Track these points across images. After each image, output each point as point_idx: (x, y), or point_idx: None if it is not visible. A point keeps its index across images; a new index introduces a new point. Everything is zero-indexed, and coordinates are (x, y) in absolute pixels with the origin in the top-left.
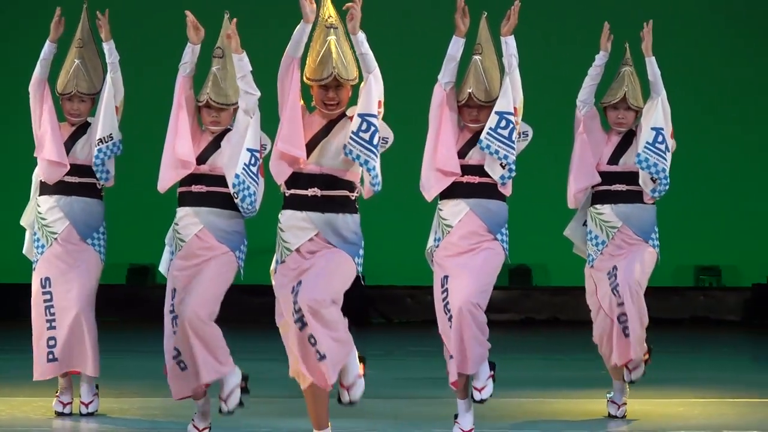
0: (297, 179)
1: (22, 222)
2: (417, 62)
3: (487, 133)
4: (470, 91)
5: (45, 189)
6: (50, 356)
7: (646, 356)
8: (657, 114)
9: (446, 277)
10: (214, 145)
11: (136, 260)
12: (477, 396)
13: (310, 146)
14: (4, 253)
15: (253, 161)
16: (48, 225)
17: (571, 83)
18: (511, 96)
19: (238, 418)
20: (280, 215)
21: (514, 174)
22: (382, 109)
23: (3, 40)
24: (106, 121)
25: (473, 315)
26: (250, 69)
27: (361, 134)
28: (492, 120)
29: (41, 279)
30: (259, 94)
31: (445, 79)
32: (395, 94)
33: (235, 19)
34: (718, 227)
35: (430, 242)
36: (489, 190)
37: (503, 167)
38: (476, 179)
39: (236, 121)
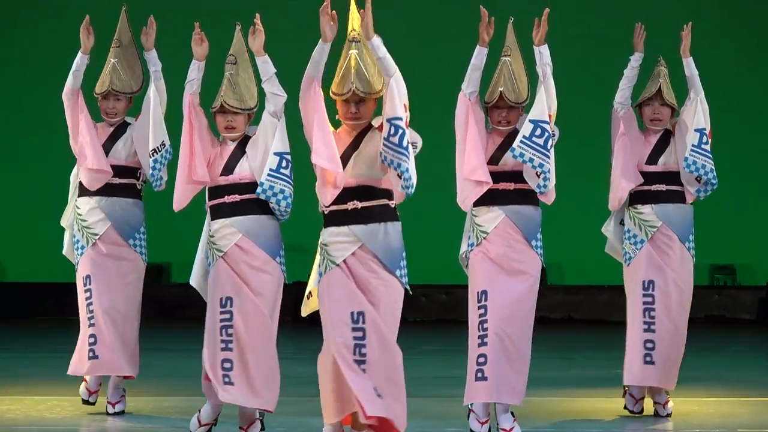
0: (337, 194)
1: (62, 223)
2: (441, 68)
3: (521, 142)
4: (501, 90)
5: (84, 190)
6: (90, 353)
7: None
8: (698, 115)
9: (485, 292)
10: (239, 152)
11: (152, 259)
12: None
13: (343, 160)
14: (21, 253)
15: (284, 164)
16: (89, 226)
17: (592, 83)
18: (546, 104)
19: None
20: (321, 233)
21: (551, 182)
22: (408, 113)
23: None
24: (156, 130)
25: (513, 343)
26: (275, 71)
27: (391, 138)
28: (526, 128)
29: (83, 277)
30: (285, 96)
31: (470, 89)
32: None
33: (258, 15)
34: (733, 226)
35: (464, 247)
36: (524, 196)
37: (538, 176)
38: (512, 186)
39: (262, 125)
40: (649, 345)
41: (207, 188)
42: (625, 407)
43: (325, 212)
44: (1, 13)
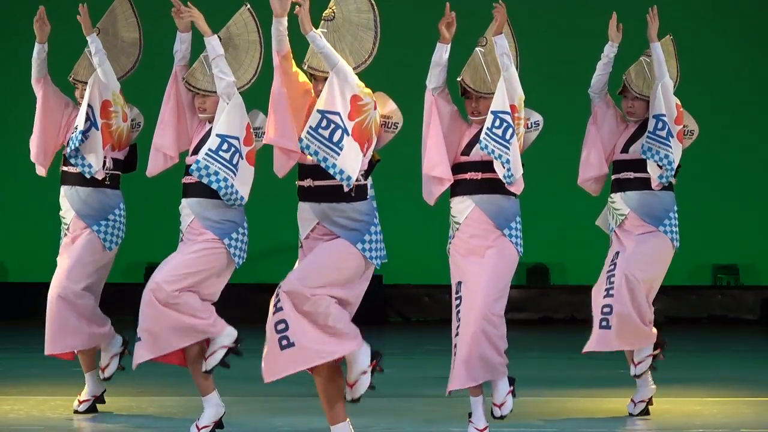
0: (300, 171)
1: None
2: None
3: (485, 134)
4: (460, 78)
5: (64, 179)
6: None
7: (658, 350)
8: (657, 101)
9: (459, 283)
10: (207, 135)
11: (154, 259)
12: (497, 413)
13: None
14: (24, 253)
15: (225, 147)
16: (62, 215)
17: (586, 77)
18: (506, 95)
19: (254, 415)
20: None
21: (514, 172)
22: (363, 101)
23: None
24: (80, 113)
25: (487, 335)
26: (221, 53)
27: (320, 131)
28: (488, 120)
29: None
30: (231, 78)
31: (432, 84)
32: (409, 93)
33: (190, 4)
34: (736, 226)
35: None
36: (494, 186)
37: (503, 167)
38: (479, 175)
39: (218, 107)
40: (606, 310)
41: (187, 166)
42: (630, 414)
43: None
44: (1, 11)
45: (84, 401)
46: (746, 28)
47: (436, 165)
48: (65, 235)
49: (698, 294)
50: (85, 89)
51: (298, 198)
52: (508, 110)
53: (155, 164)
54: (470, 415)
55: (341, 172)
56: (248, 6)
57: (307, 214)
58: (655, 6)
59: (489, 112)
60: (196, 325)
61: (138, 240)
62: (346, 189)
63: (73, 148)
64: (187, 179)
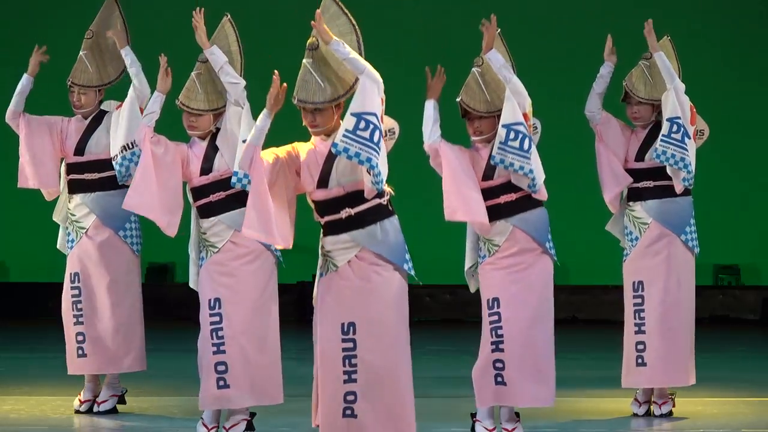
0: (326, 206)
1: (55, 217)
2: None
3: (499, 148)
4: (458, 99)
5: (71, 189)
6: (80, 351)
7: (673, 396)
8: (670, 104)
9: (496, 300)
10: (211, 149)
11: (155, 259)
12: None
13: (326, 172)
14: (25, 253)
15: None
16: (77, 220)
17: (585, 73)
18: (515, 107)
19: (258, 418)
20: (321, 240)
21: (538, 180)
22: (384, 106)
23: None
24: (130, 127)
25: (534, 355)
26: (225, 60)
27: (359, 132)
28: (501, 134)
29: (70, 274)
30: (243, 82)
31: (431, 139)
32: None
33: (202, 9)
34: (737, 226)
35: (470, 261)
36: (527, 202)
37: (527, 177)
38: (513, 196)
39: (228, 117)
40: (640, 347)
41: (189, 189)
42: (634, 414)
43: (321, 222)
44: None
45: (85, 401)
46: (744, 31)
47: (455, 211)
48: (79, 237)
49: (699, 294)
50: (81, 93)
51: (325, 233)
52: (521, 120)
53: (169, 221)
54: (474, 415)
55: (379, 173)
56: (228, 17)
57: (344, 244)
58: (650, 20)
59: (500, 126)
60: None
61: None
62: (375, 191)
63: (131, 161)
64: (216, 196)
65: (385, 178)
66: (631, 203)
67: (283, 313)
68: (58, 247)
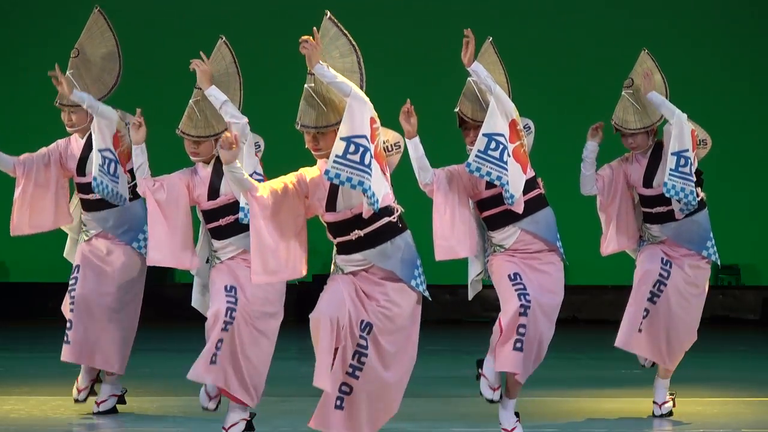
0: (337, 228)
1: (64, 227)
2: (431, 64)
3: (476, 156)
4: (457, 110)
5: (83, 206)
6: (66, 338)
7: (673, 396)
8: (673, 140)
9: (517, 273)
10: (216, 174)
11: None
12: None
13: (332, 196)
14: (25, 253)
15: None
16: (87, 230)
17: (594, 84)
18: (498, 117)
19: (258, 418)
20: (334, 257)
21: (512, 192)
22: (377, 124)
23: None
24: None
25: (541, 339)
26: (225, 98)
27: (349, 156)
28: (480, 142)
29: (74, 267)
30: (244, 119)
31: (427, 179)
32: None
33: (202, 54)
34: (737, 227)
35: (475, 270)
36: (533, 205)
37: (502, 188)
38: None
39: None
40: (645, 314)
41: (200, 211)
42: (653, 414)
43: (334, 242)
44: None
45: (83, 389)
46: (735, 40)
47: (453, 247)
48: (87, 239)
49: None
50: (72, 112)
51: (338, 252)
52: (502, 132)
53: (183, 260)
54: (479, 363)
55: (373, 195)
56: (223, 39)
57: (356, 262)
58: (649, 71)
59: (481, 134)
60: None
61: None
62: (373, 211)
63: (111, 192)
64: (225, 220)
65: (380, 198)
66: (648, 225)
67: (284, 313)
68: (65, 255)
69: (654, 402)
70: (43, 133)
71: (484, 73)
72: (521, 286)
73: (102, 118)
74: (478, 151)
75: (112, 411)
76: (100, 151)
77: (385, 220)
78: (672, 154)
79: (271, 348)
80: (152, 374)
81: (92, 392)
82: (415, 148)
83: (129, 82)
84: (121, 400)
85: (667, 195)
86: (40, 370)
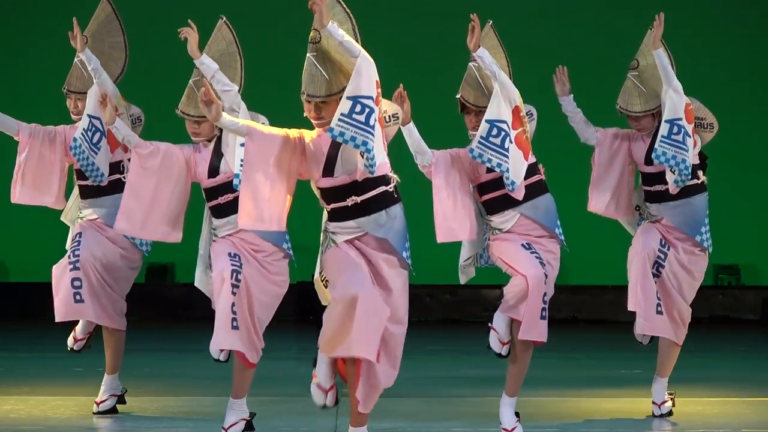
0: (332, 194)
1: (63, 218)
2: (434, 50)
3: (479, 142)
4: (459, 95)
5: (81, 193)
6: (77, 297)
7: (672, 396)
8: (669, 106)
9: (530, 243)
10: (217, 153)
11: (155, 259)
12: None
13: (331, 161)
14: (25, 253)
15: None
16: (84, 217)
17: (598, 78)
18: (502, 103)
19: (258, 418)
20: (325, 223)
21: (513, 179)
22: (380, 90)
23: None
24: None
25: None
26: (216, 68)
27: (355, 116)
28: (483, 129)
29: (73, 236)
30: (235, 87)
31: (425, 161)
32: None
33: (191, 22)
34: (737, 226)
35: (466, 254)
36: (533, 190)
37: (503, 175)
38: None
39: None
40: (658, 296)
41: (203, 189)
42: (653, 414)
43: (327, 209)
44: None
45: (80, 339)
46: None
47: (454, 231)
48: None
49: (699, 294)
50: (78, 99)
51: (330, 219)
52: (505, 119)
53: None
54: (490, 321)
55: (373, 157)
56: (224, 19)
57: (350, 229)
58: (662, 13)
59: (484, 120)
60: None
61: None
62: (368, 174)
63: (87, 161)
64: (224, 198)
65: (378, 161)
66: (647, 203)
67: (283, 312)
68: (67, 248)
69: (653, 402)
70: None
71: (489, 59)
72: (537, 255)
73: (101, 88)
74: (481, 137)
75: (112, 411)
76: (89, 115)
77: (382, 188)
78: (665, 121)
79: (274, 310)
80: (152, 374)
81: (87, 345)
82: (410, 134)
83: (129, 76)
84: (121, 400)
85: (656, 162)
86: (40, 370)
